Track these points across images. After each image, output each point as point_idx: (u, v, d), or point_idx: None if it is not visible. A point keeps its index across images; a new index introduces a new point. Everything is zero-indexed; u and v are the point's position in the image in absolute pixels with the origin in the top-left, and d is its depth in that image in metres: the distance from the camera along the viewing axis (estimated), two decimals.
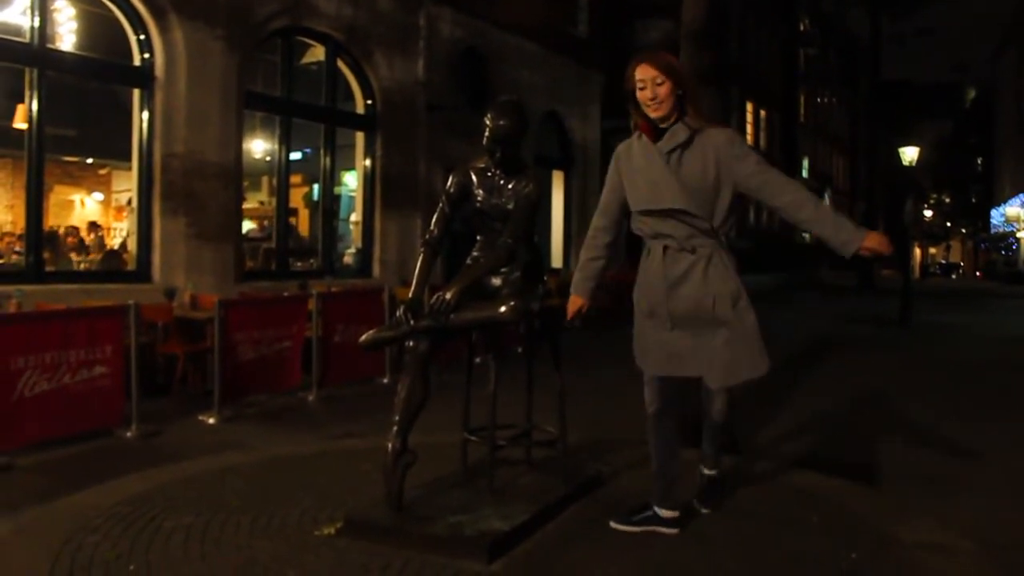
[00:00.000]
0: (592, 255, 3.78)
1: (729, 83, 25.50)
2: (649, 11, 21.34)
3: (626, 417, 5.41)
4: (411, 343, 3.67)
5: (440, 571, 3.23)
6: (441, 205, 3.99)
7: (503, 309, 3.58)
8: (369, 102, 12.19)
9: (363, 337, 3.70)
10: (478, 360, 4.25)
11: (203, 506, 4.00)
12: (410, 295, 3.73)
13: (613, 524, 3.74)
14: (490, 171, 3.93)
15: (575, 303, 3.72)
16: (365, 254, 12.33)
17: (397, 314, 3.69)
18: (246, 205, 10.42)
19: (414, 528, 3.49)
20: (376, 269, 12.28)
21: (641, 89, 3.47)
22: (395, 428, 3.59)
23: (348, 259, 12.60)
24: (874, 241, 3.32)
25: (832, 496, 4.39)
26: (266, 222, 12.21)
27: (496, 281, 3.88)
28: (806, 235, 40.74)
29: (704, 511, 3.97)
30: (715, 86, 6.22)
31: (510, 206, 3.86)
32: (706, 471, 4.04)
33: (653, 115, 3.48)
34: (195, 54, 9.41)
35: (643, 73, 3.47)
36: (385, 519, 3.57)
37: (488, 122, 3.81)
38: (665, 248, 3.53)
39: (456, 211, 3.98)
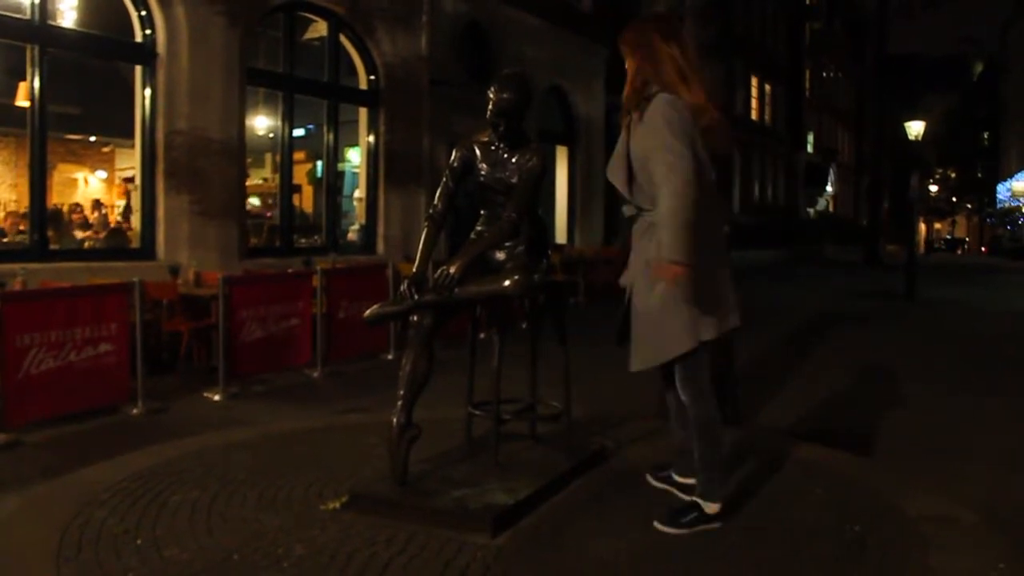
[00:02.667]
0: None
1: (734, 57, 25.31)
2: None
3: (629, 391, 5.41)
4: (415, 318, 3.67)
5: (445, 544, 3.24)
6: (445, 179, 3.97)
7: (507, 283, 3.58)
8: (372, 78, 12.12)
9: (367, 312, 3.70)
10: (482, 335, 4.26)
11: (209, 480, 4.03)
12: (414, 270, 3.72)
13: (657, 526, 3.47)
14: (494, 145, 3.91)
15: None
16: (369, 230, 12.31)
17: (401, 289, 3.69)
18: (250, 182, 10.40)
19: (419, 502, 3.51)
20: (380, 245, 12.26)
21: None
22: (399, 403, 3.59)
23: (352, 235, 12.58)
24: (663, 273, 3.25)
25: (836, 469, 4.41)
26: (270, 199, 12.20)
27: (500, 255, 3.86)
28: (810, 210, 40.70)
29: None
30: (719, 60, 6.19)
31: (514, 180, 3.84)
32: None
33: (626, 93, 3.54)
34: (197, 30, 9.36)
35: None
36: (390, 493, 3.59)
37: (492, 95, 3.79)
38: (634, 217, 3.58)
39: (460, 185, 3.96)
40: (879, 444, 5.51)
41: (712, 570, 3.15)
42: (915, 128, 20.61)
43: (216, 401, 6.56)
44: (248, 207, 11.12)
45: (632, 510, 3.67)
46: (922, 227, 65.47)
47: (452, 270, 3.57)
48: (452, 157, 4.00)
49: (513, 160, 3.86)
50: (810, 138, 40.19)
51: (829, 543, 3.40)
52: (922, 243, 56.92)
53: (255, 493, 3.85)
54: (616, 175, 3.50)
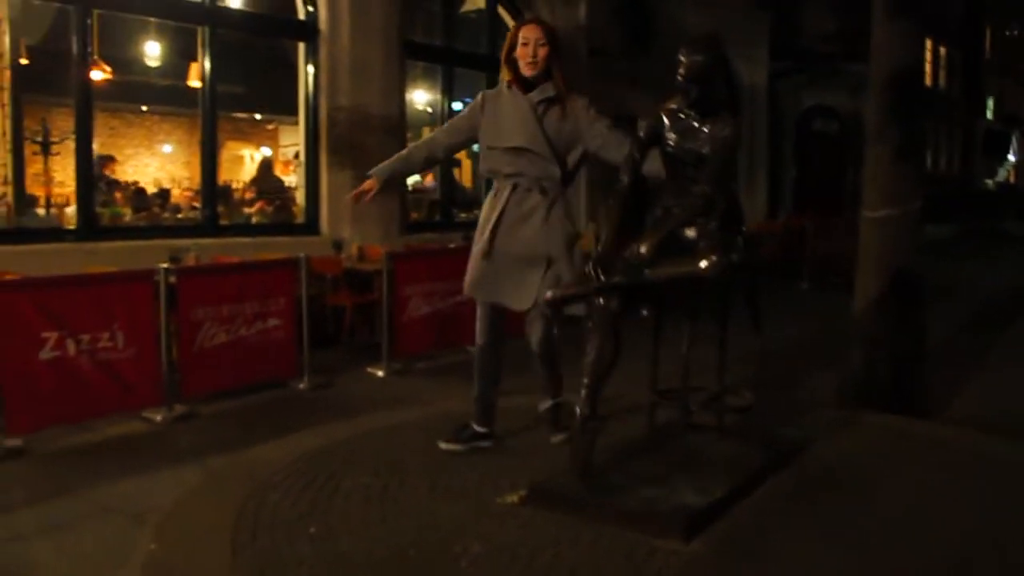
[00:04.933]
0: (412, 151, 4.33)
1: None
2: None
3: (800, 375, 4.99)
4: (601, 300, 3.39)
5: (633, 548, 2.98)
6: (630, 151, 3.67)
7: (704, 264, 3.23)
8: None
9: (548, 294, 3.45)
10: (644, 313, 3.93)
11: (380, 465, 3.91)
12: (599, 248, 3.44)
13: (441, 445, 4.12)
14: (683, 112, 3.57)
15: (368, 185, 4.11)
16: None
17: (585, 269, 3.42)
18: None
19: (605, 500, 3.25)
20: None
21: (524, 45, 3.93)
22: (584, 392, 3.33)
23: None
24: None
25: None
26: (430, 174, 12.18)
27: (690, 233, 3.51)
28: (988, 181, 37.89)
29: (555, 439, 4.12)
30: (911, 18, 5.53)
31: (705, 151, 3.49)
32: (544, 404, 4.27)
33: (527, 72, 3.95)
34: (357, 5, 9.33)
35: (529, 32, 3.94)
36: (573, 489, 3.34)
37: (682, 58, 3.44)
38: (515, 186, 3.96)
39: (645, 157, 3.65)
40: None
41: None
42: None
43: (380, 377, 6.52)
44: (408, 182, 11.13)
45: (835, 515, 3.30)
46: None
47: (643, 249, 3.26)
48: (638, 127, 3.71)
49: (705, 129, 3.51)
50: (990, 103, 37.34)
51: (1007, 551, 2.93)
52: None
53: (426, 482, 3.69)
54: (538, 139, 3.95)
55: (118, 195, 9.80)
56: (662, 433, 3.91)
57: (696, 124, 3.54)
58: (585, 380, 3.35)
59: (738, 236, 3.64)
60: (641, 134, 3.67)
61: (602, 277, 3.32)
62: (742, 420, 4.05)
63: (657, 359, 3.86)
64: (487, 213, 4.05)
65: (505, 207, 3.96)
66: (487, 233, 3.98)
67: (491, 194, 4.13)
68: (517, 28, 4.02)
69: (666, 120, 3.60)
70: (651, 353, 3.86)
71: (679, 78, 3.45)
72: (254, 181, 11.31)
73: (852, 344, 5.41)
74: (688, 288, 3.50)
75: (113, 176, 10.45)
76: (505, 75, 4.07)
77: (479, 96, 4.15)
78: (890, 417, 4.83)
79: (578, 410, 3.33)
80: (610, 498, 3.26)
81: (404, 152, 4.34)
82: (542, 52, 3.93)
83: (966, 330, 8.79)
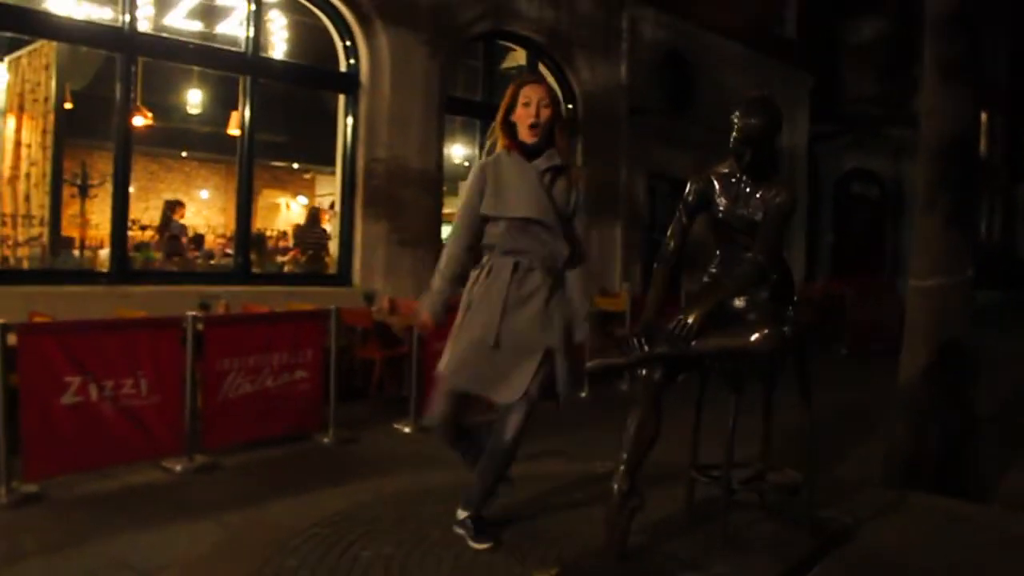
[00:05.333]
0: (447, 278, 3.68)
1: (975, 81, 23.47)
2: (860, 7, 19.96)
3: (849, 452, 4.76)
4: (644, 372, 3.22)
5: None
6: (678, 215, 3.52)
7: (755, 337, 3.07)
8: (570, 106, 11.86)
9: (589, 364, 3.30)
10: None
11: (404, 533, 3.72)
12: (643, 318, 3.29)
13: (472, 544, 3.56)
14: (735, 176, 3.43)
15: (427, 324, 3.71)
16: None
17: (629, 338, 3.25)
18: (446, 210, 10.33)
19: None
20: None
21: (525, 105, 3.53)
22: (622, 467, 3.15)
23: None
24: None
25: None
26: None
27: (739, 303, 3.36)
28: None
29: (480, 546, 3.56)
30: (967, 83, 5.34)
31: (757, 217, 3.34)
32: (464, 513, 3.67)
33: (529, 138, 3.54)
34: (399, 59, 9.39)
35: (532, 92, 3.54)
36: (609, 572, 3.14)
37: (736, 120, 3.32)
38: (516, 264, 3.50)
39: (693, 222, 3.50)
40: None
41: None
42: None
43: (406, 433, 6.36)
44: (443, 235, 11.08)
45: None
46: None
47: (690, 320, 3.10)
48: (687, 190, 3.55)
49: (758, 194, 3.37)
50: None
51: None
52: None
53: (451, 553, 3.50)
54: (550, 212, 3.56)
55: (184, 240, 9.86)
56: (701, 510, 3.69)
57: (748, 189, 3.40)
58: (624, 455, 3.18)
59: (790, 307, 3.46)
60: (690, 198, 3.52)
61: (646, 347, 3.16)
62: (785, 498, 3.83)
63: (698, 432, 3.66)
64: (481, 294, 3.53)
65: (508, 289, 3.48)
66: (494, 320, 3.46)
67: (483, 271, 3.58)
68: (517, 87, 3.59)
69: (716, 184, 3.47)
70: (693, 426, 3.67)
71: (732, 141, 3.33)
72: (300, 229, 11.31)
73: (898, 417, 5.19)
74: (735, 360, 3.32)
75: (181, 221, 10.53)
76: (501, 141, 3.64)
77: (478, 169, 3.65)
78: (941, 499, 4.58)
79: (615, 487, 3.13)
80: None
81: (443, 284, 3.67)
82: (545, 114, 3.52)
83: (1013, 404, 8.47)
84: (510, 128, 3.59)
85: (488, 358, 3.47)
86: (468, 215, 3.61)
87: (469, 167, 11.63)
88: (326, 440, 5.97)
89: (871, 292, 13.45)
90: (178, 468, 5.11)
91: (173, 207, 10.37)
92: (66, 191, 9.11)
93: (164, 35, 8.07)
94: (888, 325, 13.07)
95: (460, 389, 3.57)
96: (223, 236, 11.52)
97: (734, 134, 3.32)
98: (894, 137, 19.12)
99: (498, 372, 3.47)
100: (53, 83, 8.02)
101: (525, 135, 3.54)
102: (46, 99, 8.06)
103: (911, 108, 18.72)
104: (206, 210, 14.13)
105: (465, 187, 3.67)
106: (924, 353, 5.11)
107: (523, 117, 3.53)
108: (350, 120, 9.26)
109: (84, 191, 9.69)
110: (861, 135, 19.47)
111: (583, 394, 7.85)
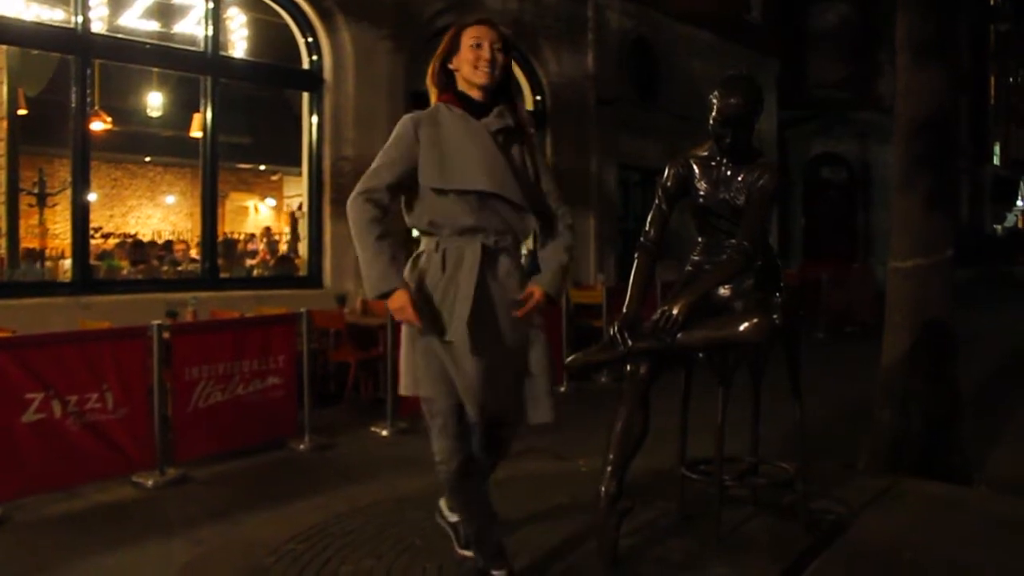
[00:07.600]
0: (384, 239, 3.02)
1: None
2: None
3: (847, 436, 4.69)
4: (629, 367, 3.09)
5: None
6: (656, 202, 3.38)
7: (744, 327, 2.95)
8: (538, 98, 11.72)
9: (569, 359, 3.16)
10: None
11: (383, 545, 3.58)
12: (624, 310, 3.15)
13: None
14: (715, 160, 3.30)
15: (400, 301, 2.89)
16: (531, 255, 11.85)
17: (611, 332, 3.11)
18: None
19: None
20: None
21: (475, 47, 2.84)
22: (608, 468, 3.01)
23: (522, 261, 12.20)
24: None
25: None
26: None
27: (724, 292, 3.24)
28: (997, 227, 37.70)
29: (464, 553, 3.25)
30: (941, 61, 5.27)
31: (740, 201, 3.21)
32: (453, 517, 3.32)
33: (481, 81, 2.84)
34: (362, 55, 9.21)
35: (483, 32, 2.86)
36: None
37: (715, 100, 3.18)
38: (483, 247, 2.85)
39: (673, 209, 3.37)
40: None
41: None
42: None
43: (384, 436, 6.22)
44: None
45: None
46: None
47: (676, 311, 2.98)
48: (664, 176, 3.40)
49: (739, 177, 3.24)
50: (996, 149, 37.29)
51: None
52: None
53: (434, 564, 3.36)
54: (512, 184, 2.86)
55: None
56: (693, 509, 3.58)
57: (729, 173, 3.27)
58: (611, 455, 3.05)
59: (777, 294, 3.34)
60: (668, 183, 3.38)
61: (629, 342, 3.03)
62: (777, 491, 3.73)
63: (686, 427, 3.54)
64: (445, 286, 2.89)
65: (478, 277, 2.83)
66: (464, 318, 2.81)
67: (432, 257, 2.96)
68: (460, 28, 2.91)
69: (695, 168, 3.33)
70: (680, 421, 3.55)
71: (711, 122, 3.19)
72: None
73: (881, 400, 5.12)
74: (723, 352, 3.19)
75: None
76: (434, 94, 2.98)
77: (407, 121, 2.92)
78: (930, 484, 4.51)
79: (603, 489, 3.01)
80: None
81: (383, 249, 3.02)
82: (501, 58, 2.87)
83: (994, 382, 8.47)
84: (449, 77, 2.92)
85: (482, 366, 2.81)
86: (393, 170, 2.95)
87: None
88: (302, 447, 5.81)
89: (844, 275, 13.47)
90: (149, 483, 4.93)
91: None
92: (23, 200, 8.85)
93: (120, 36, 7.82)
94: (861, 308, 13.13)
95: (449, 403, 2.92)
96: (186, 242, 11.28)
97: (713, 115, 3.19)
98: (860, 121, 19.23)
99: (503, 383, 2.87)
100: (5, 88, 7.77)
101: (476, 79, 2.85)
102: None
103: (877, 92, 18.84)
104: (173, 216, 13.86)
105: (385, 148, 2.98)
106: (906, 335, 5.04)
107: (473, 60, 2.84)
108: (315, 118, 9.06)
109: (42, 200, 9.43)
110: (828, 120, 19.53)
111: (562, 388, 7.74)
